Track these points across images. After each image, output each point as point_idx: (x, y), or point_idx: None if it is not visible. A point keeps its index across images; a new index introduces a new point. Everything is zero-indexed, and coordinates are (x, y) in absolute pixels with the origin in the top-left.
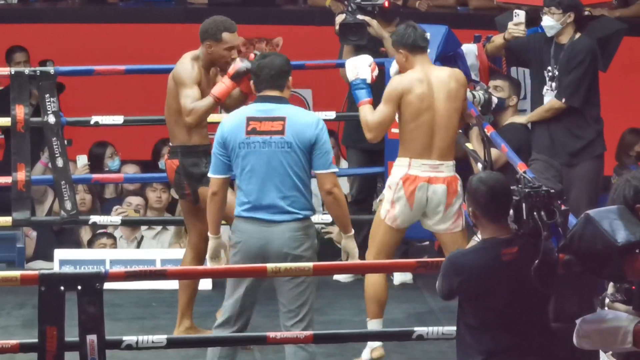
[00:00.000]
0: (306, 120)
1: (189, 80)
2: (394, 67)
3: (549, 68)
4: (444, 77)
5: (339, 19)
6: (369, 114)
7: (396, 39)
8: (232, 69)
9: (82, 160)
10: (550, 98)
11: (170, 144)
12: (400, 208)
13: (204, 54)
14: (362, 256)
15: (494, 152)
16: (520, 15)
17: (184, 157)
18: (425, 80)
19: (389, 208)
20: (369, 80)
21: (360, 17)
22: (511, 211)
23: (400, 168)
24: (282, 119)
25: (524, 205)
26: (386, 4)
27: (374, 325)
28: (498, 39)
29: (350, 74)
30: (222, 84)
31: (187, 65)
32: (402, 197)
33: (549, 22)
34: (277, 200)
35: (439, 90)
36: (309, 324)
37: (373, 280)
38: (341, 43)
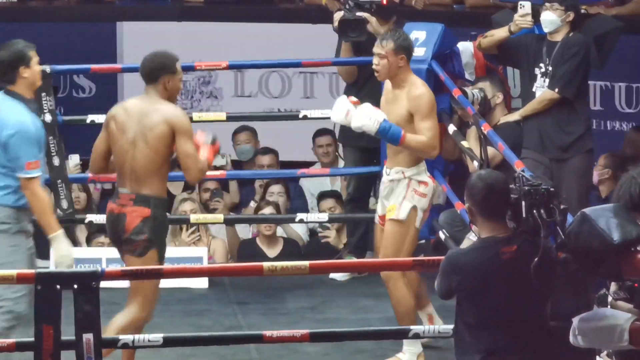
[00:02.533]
0: (6, 120)
1: (191, 130)
2: None
3: (541, 65)
4: None
5: (338, 15)
6: (420, 138)
7: (403, 45)
8: (217, 145)
9: (75, 159)
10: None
11: (137, 192)
12: (428, 212)
13: (160, 95)
14: (359, 255)
15: (490, 150)
16: (525, 7)
17: (156, 208)
18: None
19: (423, 215)
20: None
21: (359, 13)
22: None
23: (424, 175)
24: None
25: (522, 203)
26: (384, 1)
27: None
28: (500, 33)
29: (371, 126)
30: (208, 153)
31: (184, 113)
32: (432, 202)
33: (550, 16)
34: None
35: None
36: None
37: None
38: (340, 40)
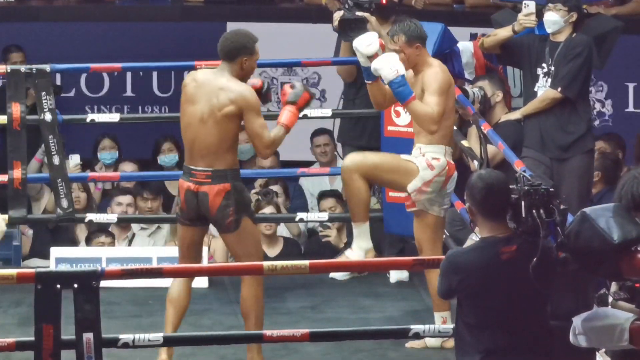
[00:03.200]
0: None
1: (259, 107)
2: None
3: (544, 65)
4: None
5: (338, 15)
6: (426, 107)
7: (415, 34)
8: (302, 99)
9: (75, 159)
10: None
11: (213, 168)
12: (438, 193)
13: (234, 73)
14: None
15: (490, 149)
16: (530, 6)
17: (235, 180)
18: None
19: (420, 186)
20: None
21: (358, 13)
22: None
23: (440, 154)
24: None
25: (522, 203)
26: (383, 0)
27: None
28: (503, 32)
29: (390, 72)
30: (289, 112)
31: (252, 90)
32: (440, 182)
33: (553, 17)
34: None
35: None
36: None
37: (358, 185)
38: (340, 39)
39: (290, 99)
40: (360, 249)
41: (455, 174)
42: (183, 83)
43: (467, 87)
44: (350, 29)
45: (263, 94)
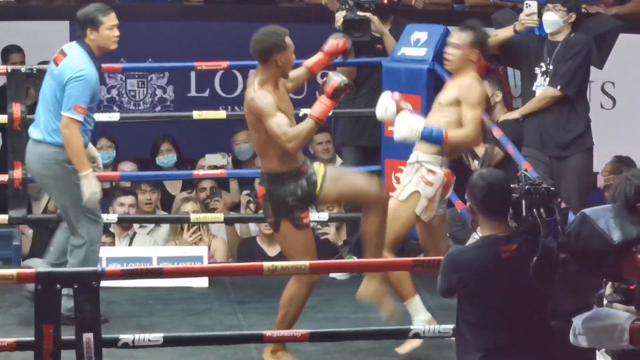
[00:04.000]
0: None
1: (270, 108)
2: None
3: (542, 64)
4: None
5: (340, 15)
6: (461, 132)
7: (483, 41)
8: (329, 87)
9: None
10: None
11: (261, 170)
12: (437, 204)
13: (272, 72)
14: (359, 254)
15: (490, 148)
16: (532, 6)
17: (270, 185)
18: None
19: (427, 204)
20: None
21: (360, 13)
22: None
23: (437, 165)
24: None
25: (523, 202)
26: (385, 0)
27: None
28: (504, 32)
29: (413, 137)
30: (322, 104)
31: (260, 95)
32: (440, 194)
33: (552, 17)
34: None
35: None
36: None
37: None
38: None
39: (324, 88)
40: (422, 323)
41: (454, 179)
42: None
43: None
44: (354, 29)
45: (348, 51)
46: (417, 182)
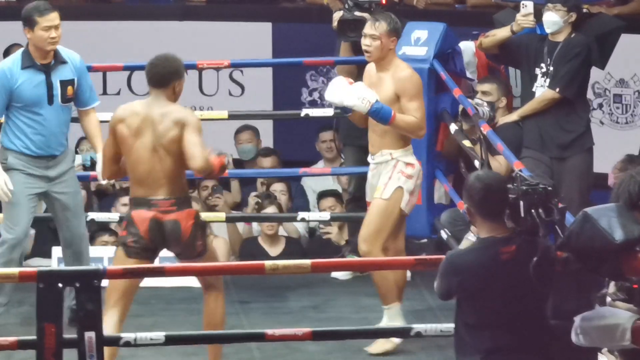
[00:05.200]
0: None
1: (199, 126)
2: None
3: (542, 65)
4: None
5: (337, 15)
6: (409, 118)
7: (396, 28)
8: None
9: (76, 160)
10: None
11: (175, 196)
12: (416, 196)
13: (170, 95)
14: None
15: (502, 160)
16: (528, 6)
17: (191, 206)
18: None
19: (409, 197)
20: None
21: (357, 13)
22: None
23: (411, 157)
24: None
25: (521, 203)
26: (383, 1)
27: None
28: (502, 33)
29: (362, 106)
30: (214, 163)
31: (190, 112)
32: (418, 186)
33: (553, 17)
34: None
35: None
36: None
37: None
38: (339, 40)
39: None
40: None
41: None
42: (117, 118)
43: (476, 104)
44: (349, 29)
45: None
46: (397, 177)
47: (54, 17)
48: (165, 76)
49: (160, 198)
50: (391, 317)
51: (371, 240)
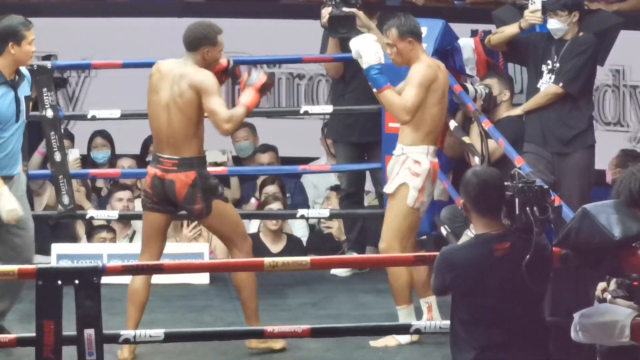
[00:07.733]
0: None
1: (217, 87)
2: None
3: (549, 62)
4: (443, 67)
5: (326, 11)
6: (399, 98)
7: (407, 28)
8: (258, 81)
9: (74, 154)
10: None
11: (179, 156)
12: (428, 194)
13: (198, 62)
14: (359, 250)
15: (490, 145)
16: (536, 3)
17: (200, 168)
18: (440, 68)
19: (417, 194)
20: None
21: (346, 9)
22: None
23: (423, 155)
24: None
25: (516, 200)
26: None
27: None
28: (510, 29)
29: (370, 58)
30: (248, 93)
31: (209, 74)
32: (430, 185)
33: (556, 25)
34: None
35: (447, 78)
36: None
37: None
38: (329, 36)
39: (250, 82)
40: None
41: (439, 169)
42: (150, 74)
43: (469, 84)
44: (340, 25)
45: (230, 72)
46: (404, 174)
47: (33, 31)
48: (194, 40)
49: (165, 156)
50: (404, 318)
51: (386, 238)
